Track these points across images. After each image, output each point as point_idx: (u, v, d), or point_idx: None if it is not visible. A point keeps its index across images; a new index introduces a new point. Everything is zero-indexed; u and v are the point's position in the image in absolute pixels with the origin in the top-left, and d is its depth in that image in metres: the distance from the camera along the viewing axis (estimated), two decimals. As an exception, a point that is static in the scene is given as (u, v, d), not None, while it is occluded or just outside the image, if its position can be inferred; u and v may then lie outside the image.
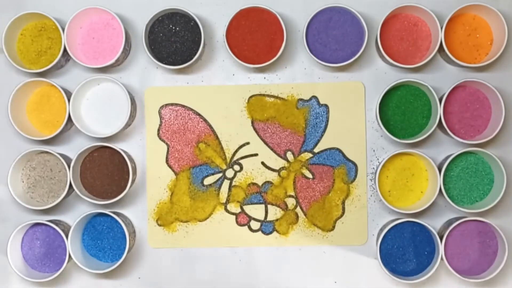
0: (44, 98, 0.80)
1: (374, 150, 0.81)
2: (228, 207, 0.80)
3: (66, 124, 0.77)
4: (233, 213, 0.80)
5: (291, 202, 0.80)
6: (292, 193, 0.80)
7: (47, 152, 0.79)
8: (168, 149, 0.80)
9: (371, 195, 0.81)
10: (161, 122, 0.80)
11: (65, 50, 0.77)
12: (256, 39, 0.78)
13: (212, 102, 0.80)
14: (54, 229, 0.77)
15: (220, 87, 0.80)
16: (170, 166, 0.80)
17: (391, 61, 0.77)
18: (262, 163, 0.80)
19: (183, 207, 0.80)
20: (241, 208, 0.80)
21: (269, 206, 0.80)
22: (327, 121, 0.79)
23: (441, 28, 0.77)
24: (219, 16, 0.81)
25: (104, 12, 0.78)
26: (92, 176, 0.79)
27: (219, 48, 0.82)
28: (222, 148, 0.80)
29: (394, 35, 0.79)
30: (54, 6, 0.81)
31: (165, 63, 0.78)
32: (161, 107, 0.81)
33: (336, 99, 0.79)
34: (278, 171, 0.80)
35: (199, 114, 0.80)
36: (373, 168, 0.81)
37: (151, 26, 0.79)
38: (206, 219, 0.80)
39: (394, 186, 0.79)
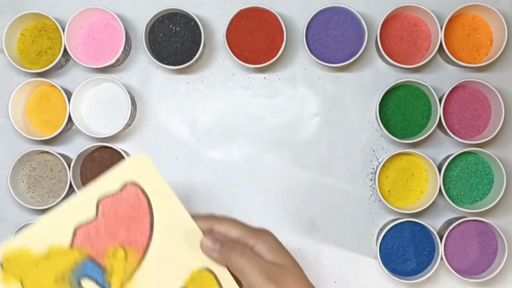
0: (44, 98, 0.80)
1: (374, 150, 0.81)
2: None
3: (66, 124, 0.78)
4: None
5: None
6: None
7: (47, 152, 0.79)
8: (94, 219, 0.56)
9: (371, 195, 0.81)
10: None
11: (65, 50, 0.77)
12: (256, 39, 0.78)
13: None
14: (54, 229, 0.77)
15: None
16: (75, 233, 0.56)
17: (391, 61, 0.77)
18: None
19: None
20: None
21: None
22: None
23: (441, 28, 0.77)
24: (219, 16, 0.81)
25: (104, 12, 0.78)
26: (92, 176, 0.79)
27: (219, 48, 0.82)
28: None
29: (394, 35, 0.79)
30: (54, 6, 0.82)
31: (165, 63, 0.78)
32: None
33: None
34: None
35: None
36: (373, 168, 0.81)
37: (151, 26, 0.79)
38: None
39: (394, 186, 0.79)
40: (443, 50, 0.77)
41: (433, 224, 0.80)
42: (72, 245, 0.56)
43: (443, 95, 0.78)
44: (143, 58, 0.82)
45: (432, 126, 0.77)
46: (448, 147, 0.81)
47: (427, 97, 0.79)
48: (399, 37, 0.79)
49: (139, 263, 0.58)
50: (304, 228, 0.82)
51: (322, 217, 0.81)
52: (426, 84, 0.77)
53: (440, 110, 0.76)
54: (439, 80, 0.80)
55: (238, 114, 0.82)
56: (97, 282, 0.57)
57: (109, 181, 0.57)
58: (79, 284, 0.57)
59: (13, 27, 0.78)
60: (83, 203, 0.56)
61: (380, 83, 0.81)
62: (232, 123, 0.82)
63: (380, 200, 0.78)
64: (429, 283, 0.80)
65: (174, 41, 0.79)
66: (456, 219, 0.78)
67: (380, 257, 0.77)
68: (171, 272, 0.57)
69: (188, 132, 0.82)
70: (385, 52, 0.77)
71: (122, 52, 0.78)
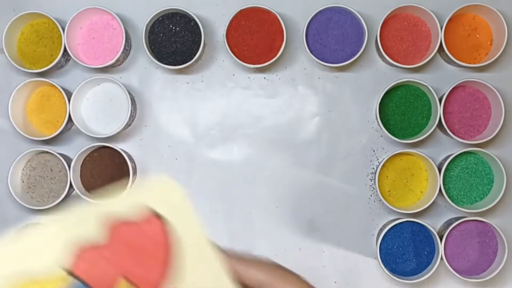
0: (44, 98, 0.80)
1: (374, 150, 0.81)
2: None
3: (66, 124, 0.78)
4: None
5: None
6: None
7: (47, 152, 0.79)
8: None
9: (371, 195, 0.81)
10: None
11: (65, 50, 0.77)
12: (256, 39, 0.78)
13: None
14: (54, 229, 0.77)
15: None
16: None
17: (391, 61, 0.77)
18: None
19: None
20: None
21: None
22: None
23: (441, 28, 0.77)
24: (219, 16, 0.81)
25: (104, 12, 0.78)
26: (92, 176, 0.79)
27: (219, 48, 0.82)
28: None
29: (394, 35, 0.79)
30: (54, 6, 0.81)
31: (165, 63, 0.78)
32: None
33: None
34: None
35: None
36: (373, 168, 0.81)
37: (151, 26, 0.79)
38: None
39: (394, 186, 0.79)
40: (443, 50, 0.77)
41: (433, 224, 0.80)
42: (71, 271, 0.43)
43: (443, 95, 0.78)
44: (143, 58, 0.82)
45: (432, 126, 0.77)
46: (448, 147, 0.81)
47: (427, 97, 0.79)
48: (399, 37, 0.79)
49: None
50: (304, 228, 0.82)
51: (322, 217, 0.81)
52: (426, 84, 0.77)
53: (440, 110, 0.76)
54: (439, 80, 0.80)
55: (238, 114, 0.82)
56: None
57: (127, 204, 0.45)
58: None
59: (13, 27, 0.78)
60: (90, 222, 0.44)
61: (380, 83, 0.80)
62: (232, 123, 0.82)
63: (380, 200, 0.78)
64: (429, 283, 0.80)
65: (174, 41, 0.79)
66: (456, 219, 0.78)
67: (380, 257, 0.77)
68: None
69: (188, 132, 0.82)
70: (385, 52, 0.77)
71: (122, 52, 0.78)
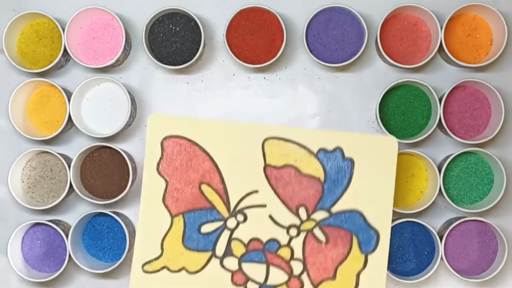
0: (44, 98, 0.80)
1: (374, 150, 0.81)
2: (225, 262, 0.69)
3: (66, 124, 0.78)
4: (229, 270, 0.70)
5: (297, 266, 0.69)
6: (300, 257, 0.69)
7: (47, 152, 0.79)
8: (166, 186, 0.70)
9: (371, 195, 0.81)
10: (162, 155, 0.71)
11: (65, 50, 0.77)
12: (256, 39, 0.78)
13: (222, 140, 0.70)
14: (54, 229, 0.77)
15: (233, 125, 0.71)
16: (166, 206, 0.70)
17: (391, 61, 0.77)
18: (270, 216, 0.69)
19: (174, 255, 0.70)
20: (239, 265, 0.69)
21: (271, 267, 0.69)
22: (351, 177, 0.69)
23: (441, 28, 0.77)
24: (219, 16, 0.81)
25: (104, 12, 0.78)
26: (92, 176, 0.79)
27: (219, 48, 0.82)
28: (226, 192, 0.69)
29: (394, 35, 0.79)
30: (54, 6, 0.81)
31: (165, 63, 0.78)
32: (164, 138, 0.70)
33: (364, 154, 0.69)
34: (287, 228, 0.69)
35: (205, 151, 0.70)
36: (373, 168, 0.81)
37: (151, 26, 0.79)
38: (197, 272, 0.70)
39: (394, 186, 0.79)
40: (443, 50, 0.77)
41: (433, 224, 0.80)
42: (172, 215, 0.71)
43: (443, 95, 0.78)
44: (143, 58, 0.82)
45: (432, 126, 0.77)
46: (448, 147, 0.81)
47: (427, 97, 0.79)
48: (399, 37, 0.79)
49: (222, 181, 0.71)
50: (304, 228, 0.82)
51: (322, 217, 0.81)
52: (426, 84, 0.77)
53: (440, 110, 0.76)
54: (439, 80, 0.80)
55: (238, 114, 0.82)
56: (210, 221, 0.70)
57: (151, 151, 0.72)
58: (200, 231, 0.70)
59: (13, 27, 0.78)
60: (152, 180, 0.72)
61: (380, 83, 0.81)
62: (232, 123, 0.82)
63: (380, 200, 0.78)
64: (429, 283, 0.80)
65: (174, 41, 0.79)
66: (456, 219, 0.78)
67: (380, 257, 0.77)
68: (248, 171, 0.71)
69: (188, 132, 0.82)
70: (385, 52, 0.77)
71: (122, 52, 0.78)
